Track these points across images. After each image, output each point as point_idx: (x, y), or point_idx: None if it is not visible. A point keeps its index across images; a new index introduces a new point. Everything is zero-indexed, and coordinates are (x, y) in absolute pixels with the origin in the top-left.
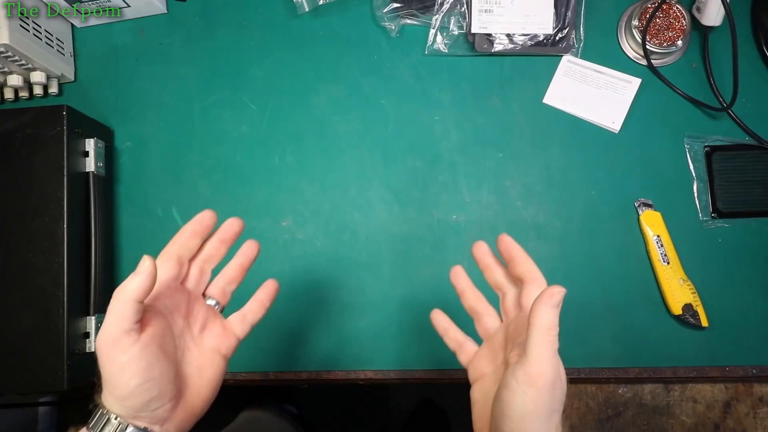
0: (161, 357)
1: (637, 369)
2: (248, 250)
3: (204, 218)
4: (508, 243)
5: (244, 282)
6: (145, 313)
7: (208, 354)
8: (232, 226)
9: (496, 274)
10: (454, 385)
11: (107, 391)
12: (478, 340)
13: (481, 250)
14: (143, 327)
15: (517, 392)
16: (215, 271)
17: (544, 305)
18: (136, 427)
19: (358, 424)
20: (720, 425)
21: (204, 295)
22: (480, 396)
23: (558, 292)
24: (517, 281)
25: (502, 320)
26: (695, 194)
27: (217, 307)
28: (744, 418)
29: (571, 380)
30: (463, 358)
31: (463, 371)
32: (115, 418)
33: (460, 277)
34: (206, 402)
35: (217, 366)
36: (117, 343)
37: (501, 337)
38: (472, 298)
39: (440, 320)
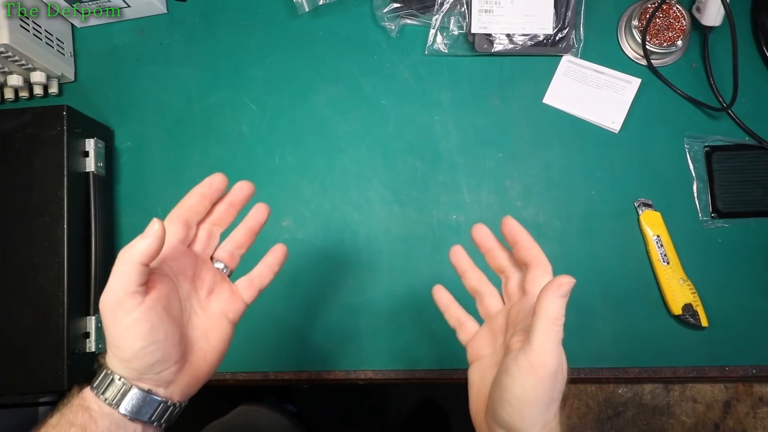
0: (166, 320)
1: (637, 369)
2: (258, 213)
3: (214, 181)
4: (513, 226)
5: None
6: (150, 276)
7: (215, 318)
8: (242, 189)
9: (498, 258)
10: (454, 385)
11: (111, 354)
12: (479, 320)
13: (482, 234)
14: (148, 289)
15: (518, 379)
16: (224, 235)
17: (552, 295)
18: (140, 388)
19: (358, 424)
20: (720, 425)
21: (212, 258)
22: (478, 377)
23: (567, 283)
24: (522, 265)
25: (504, 302)
26: (695, 194)
27: (225, 271)
28: (744, 418)
29: (571, 380)
30: (463, 337)
31: (463, 371)
32: (119, 379)
33: (460, 257)
34: (212, 366)
35: (224, 330)
36: (121, 305)
37: (502, 320)
38: (474, 278)
39: (442, 296)
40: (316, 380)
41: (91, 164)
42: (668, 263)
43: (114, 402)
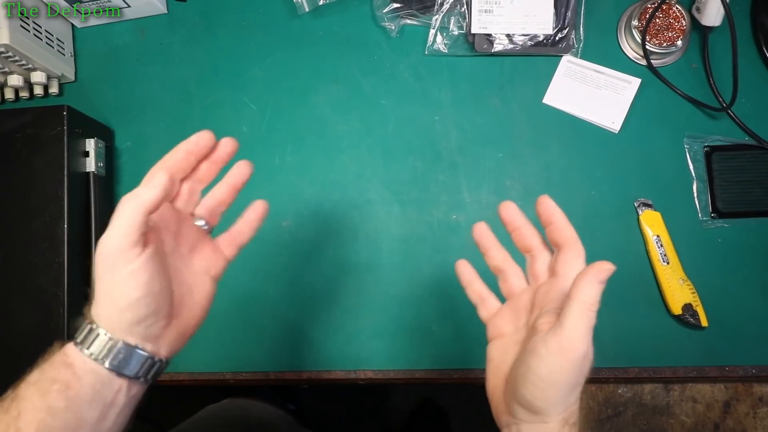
0: (161, 272)
1: (637, 369)
2: (240, 170)
3: (201, 138)
4: (549, 206)
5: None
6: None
7: (198, 275)
8: (226, 146)
9: (527, 237)
10: (454, 385)
11: (101, 305)
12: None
13: (510, 211)
14: (147, 240)
15: (546, 360)
16: (204, 193)
17: (590, 280)
18: (126, 343)
19: (358, 424)
20: (720, 425)
21: (192, 215)
22: (497, 354)
23: (607, 270)
24: (554, 246)
25: (528, 282)
26: (695, 194)
27: (206, 227)
28: (744, 418)
29: None
30: (484, 314)
31: (463, 371)
32: (105, 334)
33: (485, 235)
34: (197, 323)
35: (208, 287)
36: (123, 254)
37: (527, 300)
38: (498, 257)
39: (465, 271)
40: (316, 380)
41: (91, 164)
42: (668, 263)
43: (100, 357)
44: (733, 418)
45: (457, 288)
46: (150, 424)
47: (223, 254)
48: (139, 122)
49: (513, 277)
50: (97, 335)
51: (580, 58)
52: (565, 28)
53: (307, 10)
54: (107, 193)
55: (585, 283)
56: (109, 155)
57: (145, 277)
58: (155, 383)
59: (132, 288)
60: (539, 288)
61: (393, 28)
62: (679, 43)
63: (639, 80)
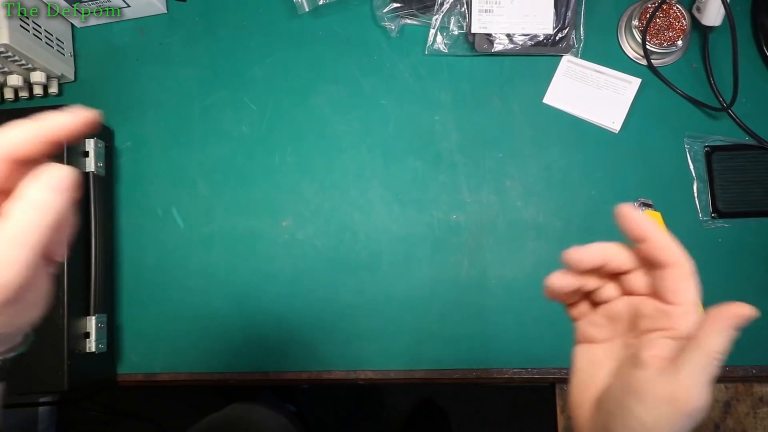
0: None
1: None
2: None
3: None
4: (637, 219)
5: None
6: None
7: None
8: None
9: (628, 279)
10: (454, 385)
11: None
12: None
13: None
14: None
15: (652, 408)
16: None
17: (722, 327)
18: None
19: (358, 424)
20: (720, 425)
21: None
22: (586, 364)
23: (744, 315)
24: (650, 262)
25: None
26: (695, 194)
27: None
28: (744, 418)
29: None
30: (575, 311)
31: (463, 371)
32: None
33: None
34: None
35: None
36: None
37: (623, 309)
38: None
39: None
40: (316, 380)
41: (91, 164)
42: None
43: None
44: (734, 418)
45: (457, 288)
46: (150, 424)
47: None
48: (139, 122)
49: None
50: None
51: (581, 57)
52: (566, 28)
53: (307, 10)
54: (107, 193)
55: (715, 329)
56: (109, 155)
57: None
58: (153, 382)
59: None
60: (639, 303)
61: (393, 28)
62: (680, 42)
63: (639, 80)
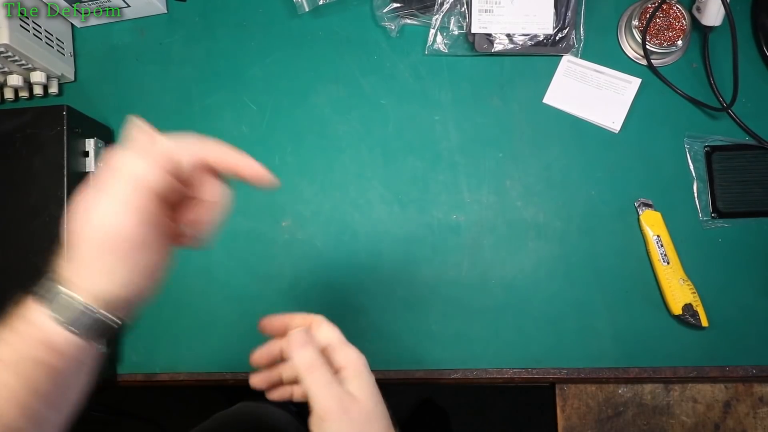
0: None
1: (637, 369)
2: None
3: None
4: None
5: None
6: None
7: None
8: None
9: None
10: (454, 385)
11: (87, 278)
12: None
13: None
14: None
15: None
16: None
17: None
18: (104, 314)
19: None
20: (720, 425)
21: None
22: None
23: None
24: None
25: None
26: (695, 194)
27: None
28: (744, 418)
29: (572, 380)
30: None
31: (463, 371)
32: (86, 307)
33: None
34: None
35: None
36: (146, 245)
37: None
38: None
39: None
40: None
41: (91, 164)
42: (668, 263)
43: (80, 329)
44: (734, 419)
45: (457, 288)
46: (150, 424)
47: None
48: None
49: None
50: (78, 308)
51: (581, 57)
52: (566, 28)
53: (307, 10)
54: None
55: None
56: None
57: (157, 270)
58: (154, 382)
59: (135, 274)
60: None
61: (393, 28)
62: (680, 42)
63: (639, 80)
